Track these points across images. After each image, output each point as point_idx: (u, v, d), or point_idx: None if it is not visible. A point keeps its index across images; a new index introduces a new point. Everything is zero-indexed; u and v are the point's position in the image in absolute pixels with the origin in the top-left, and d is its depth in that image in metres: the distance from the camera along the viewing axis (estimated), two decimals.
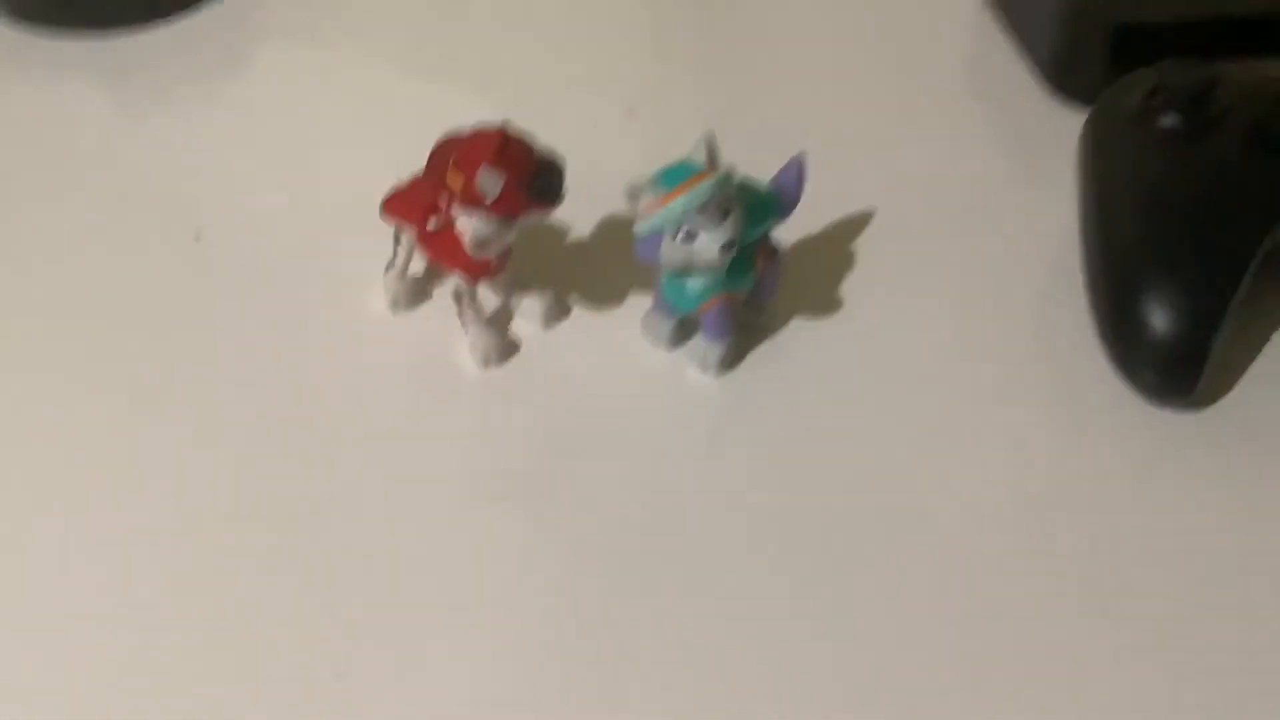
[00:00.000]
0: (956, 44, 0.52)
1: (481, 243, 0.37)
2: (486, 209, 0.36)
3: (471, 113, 0.38)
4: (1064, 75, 0.48)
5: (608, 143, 0.45)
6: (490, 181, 0.36)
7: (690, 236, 0.36)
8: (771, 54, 0.52)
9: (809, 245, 0.43)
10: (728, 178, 0.36)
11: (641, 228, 0.36)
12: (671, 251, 0.36)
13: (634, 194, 0.36)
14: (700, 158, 0.36)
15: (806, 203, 0.40)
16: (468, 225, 0.37)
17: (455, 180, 0.36)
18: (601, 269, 0.42)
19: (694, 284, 0.38)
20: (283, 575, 0.34)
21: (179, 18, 0.52)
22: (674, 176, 0.36)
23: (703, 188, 0.36)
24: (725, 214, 0.36)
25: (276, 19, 0.53)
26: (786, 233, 0.41)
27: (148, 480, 0.36)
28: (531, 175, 0.36)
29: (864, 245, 0.44)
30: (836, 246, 0.43)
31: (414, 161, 0.39)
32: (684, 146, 0.37)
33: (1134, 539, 0.36)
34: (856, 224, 0.44)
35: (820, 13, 0.54)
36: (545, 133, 0.38)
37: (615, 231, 0.43)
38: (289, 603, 0.34)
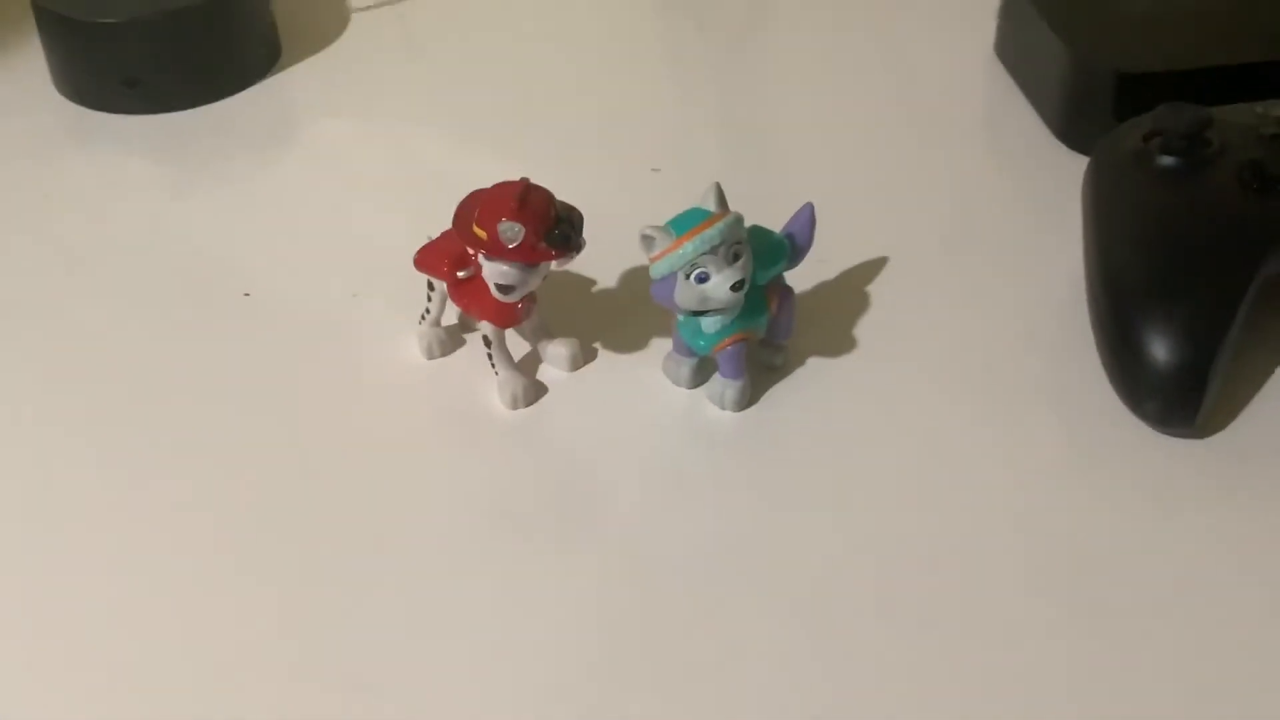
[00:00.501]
0: (969, 94, 0.54)
1: (505, 289, 0.39)
2: (509, 257, 0.38)
3: (498, 175, 0.40)
4: (1071, 123, 0.50)
5: (634, 199, 0.47)
6: (511, 231, 0.38)
7: (703, 278, 0.38)
8: (790, 106, 0.54)
9: (825, 289, 0.45)
10: (737, 221, 0.38)
11: (656, 271, 0.38)
12: (685, 292, 0.38)
13: (648, 240, 0.38)
14: (710, 204, 0.38)
15: (822, 248, 0.42)
16: (493, 273, 0.39)
17: (479, 232, 0.38)
18: (624, 316, 0.44)
19: (709, 325, 0.40)
20: (322, 605, 0.36)
21: (227, 98, 0.55)
22: (685, 222, 0.38)
23: (712, 231, 0.38)
24: (735, 256, 0.38)
25: (313, 96, 0.56)
26: (804, 277, 0.43)
27: (200, 513, 0.38)
28: (550, 225, 0.38)
29: (878, 288, 0.45)
30: (851, 289, 0.45)
31: (443, 219, 0.41)
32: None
33: (1144, 562, 0.37)
34: (871, 268, 0.46)
35: (837, 67, 0.56)
36: (573, 190, 0.40)
37: (638, 281, 0.45)
38: (323, 632, 0.36)
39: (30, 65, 0.57)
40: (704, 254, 0.38)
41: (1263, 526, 0.37)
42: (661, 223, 0.38)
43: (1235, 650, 0.35)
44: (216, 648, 0.35)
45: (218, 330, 0.45)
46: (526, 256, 0.38)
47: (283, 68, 0.57)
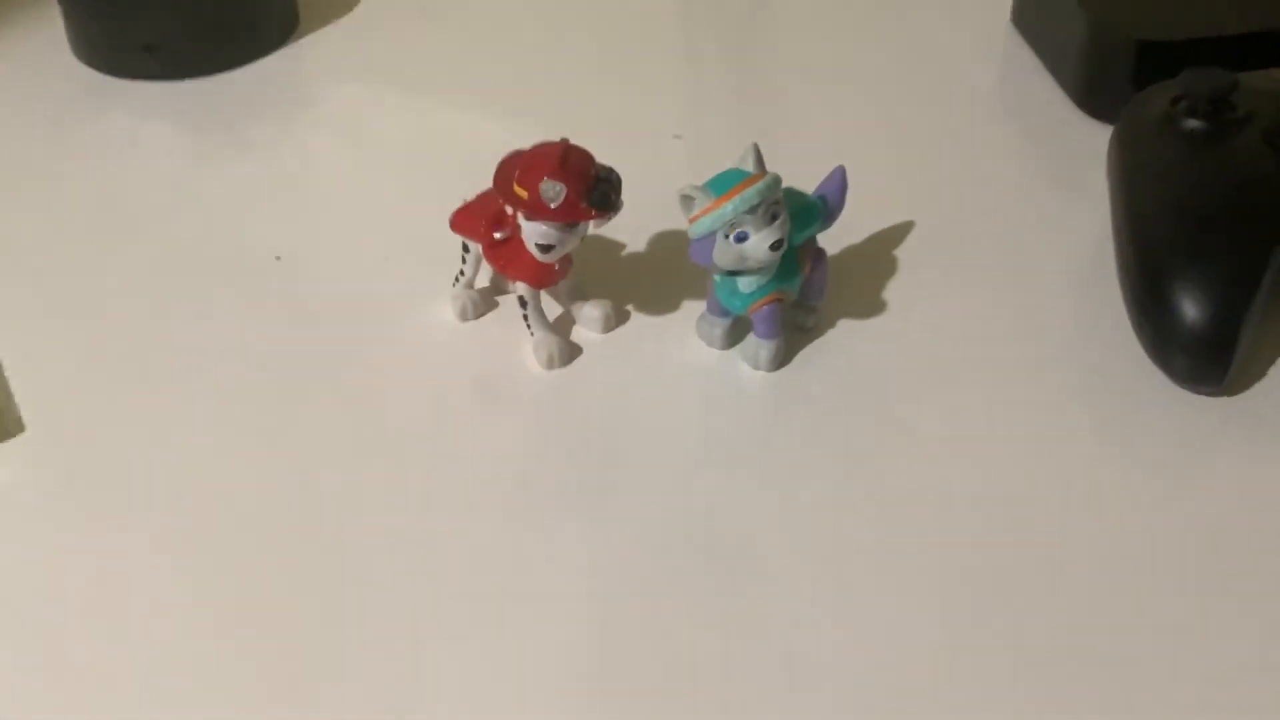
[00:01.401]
0: (988, 63, 0.55)
1: (545, 249, 0.39)
2: (550, 217, 0.39)
3: (525, 140, 0.40)
4: (1090, 92, 0.51)
5: (658, 165, 0.47)
6: (553, 190, 0.38)
7: (741, 237, 0.38)
8: (810, 76, 0.55)
9: (854, 253, 0.45)
10: (776, 181, 0.39)
11: (695, 230, 0.39)
12: (724, 252, 0.39)
13: (688, 200, 0.39)
14: (749, 164, 0.39)
15: (851, 214, 0.43)
16: (533, 233, 0.39)
17: (520, 191, 0.39)
18: (656, 278, 0.44)
19: (745, 285, 0.40)
20: (351, 568, 0.36)
21: (246, 65, 0.55)
22: (725, 182, 0.38)
23: (752, 191, 0.38)
24: (773, 216, 0.38)
25: (332, 63, 0.56)
26: (833, 242, 0.44)
27: (234, 476, 0.39)
28: (591, 185, 0.39)
29: (905, 252, 0.46)
30: (880, 254, 0.46)
31: (473, 185, 0.41)
32: (728, 166, 0.39)
33: (1171, 517, 0.37)
34: (898, 233, 0.46)
35: (856, 37, 0.57)
36: (598, 156, 0.40)
37: (668, 244, 0.45)
38: (354, 592, 0.36)
39: (50, 32, 0.57)
40: (744, 213, 0.38)
41: None
42: (691, 185, 0.39)
43: (1260, 606, 0.35)
44: (243, 614, 0.36)
45: (248, 294, 0.45)
46: (568, 216, 0.39)
47: (301, 35, 0.57)
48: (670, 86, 0.54)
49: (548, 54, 0.56)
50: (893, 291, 0.44)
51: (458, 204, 0.42)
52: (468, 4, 0.59)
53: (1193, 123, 0.43)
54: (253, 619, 0.35)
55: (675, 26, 0.58)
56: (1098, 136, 0.47)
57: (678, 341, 0.42)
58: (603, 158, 0.40)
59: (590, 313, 0.43)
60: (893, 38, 0.57)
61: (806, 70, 0.55)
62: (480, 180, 0.41)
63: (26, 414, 0.41)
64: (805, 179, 0.42)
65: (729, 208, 0.38)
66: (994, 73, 0.55)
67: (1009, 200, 0.48)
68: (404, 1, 0.59)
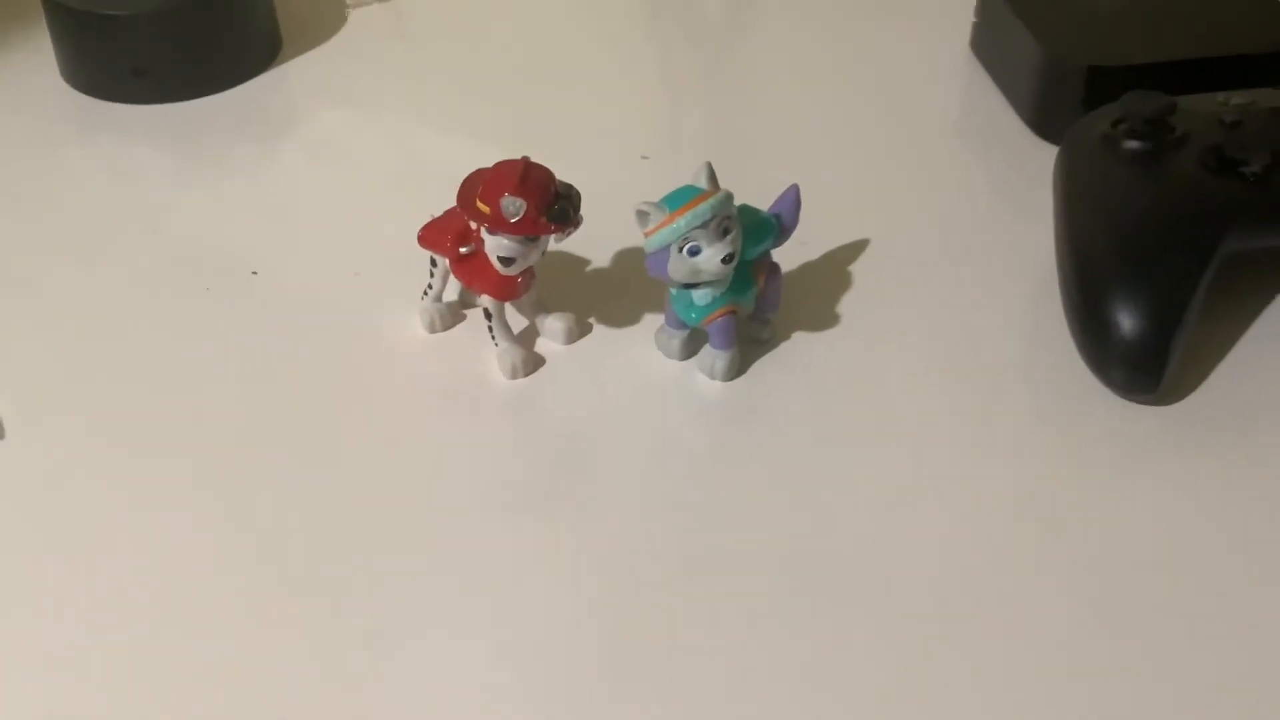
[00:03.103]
0: (947, 88, 0.57)
1: (507, 261, 0.41)
2: (511, 231, 0.40)
3: (492, 161, 0.42)
4: (1043, 115, 0.53)
5: (625, 184, 0.49)
6: (514, 206, 0.40)
7: (694, 251, 0.40)
8: (773, 100, 0.56)
9: (809, 269, 0.47)
10: (727, 197, 0.40)
11: (651, 244, 0.40)
12: (678, 265, 0.40)
13: (643, 215, 0.40)
14: (702, 182, 0.40)
15: (807, 231, 0.44)
16: (495, 246, 0.41)
17: (483, 207, 0.40)
18: (618, 293, 0.46)
19: (700, 297, 0.42)
20: (327, 573, 0.38)
21: (229, 89, 0.57)
22: (679, 198, 0.40)
23: (704, 206, 0.40)
24: (725, 231, 0.40)
25: (313, 88, 0.58)
26: (789, 257, 0.45)
27: (206, 490, 0.40)
28: (551, 201, 0.40)
29: (860, 268, 0.47)
30: (834, 269, 0.47)
31: (443, 202, 0.43)
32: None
33: (1110, 521, 0.39)
34: (852, 251, 0.48)
35: (819, 62, 0.58)
36: (566, 176, 0.41)
37: (630, 260, 0.47)
38: (328, 599, 0.37)
39: (38, 56, 0.58)
40: (696, 228, 0.40)
41: (1221, 486, 0.40)
42: (647, 201, 0.40)
43: (1198, 609, 0.36)
44: (217, 624, 0.37)
45: (222, 310, 0.46)
46: (528, 230, 0.40)
47: (283, 60, 0.59)
48: (640, 110, 0.56)
49: (522, 78, 0.58)
50: (846, 305, 0.46)
51: (426, 220, 0.44)
52: (443, 30, 0.61)
53: (1132, 144, 0.45)
54: (231, 623, 0.36)
55: (646, 52, 0.60)
56: (1050, 158, 0.49)
57: (637, 352, 0.44)
58: (572, 177, 0.42)
59: (554, 325, 0.44)
60: (855, 63, 0.58)
61: (773, 93, 0.57)
62: (451, 198, 0.43)
63: (9, 424, 0.42)
64: (767, 197, 0.43)
65: (681, 222, 0.40)
66: (953, 97, 0.56)
67: (962, 219, 0.50)
68: (382, 28, 0.61)
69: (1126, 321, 0.41)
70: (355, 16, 0.62)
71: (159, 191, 0.52)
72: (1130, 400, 0.42)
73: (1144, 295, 0.41)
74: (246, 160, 0.54)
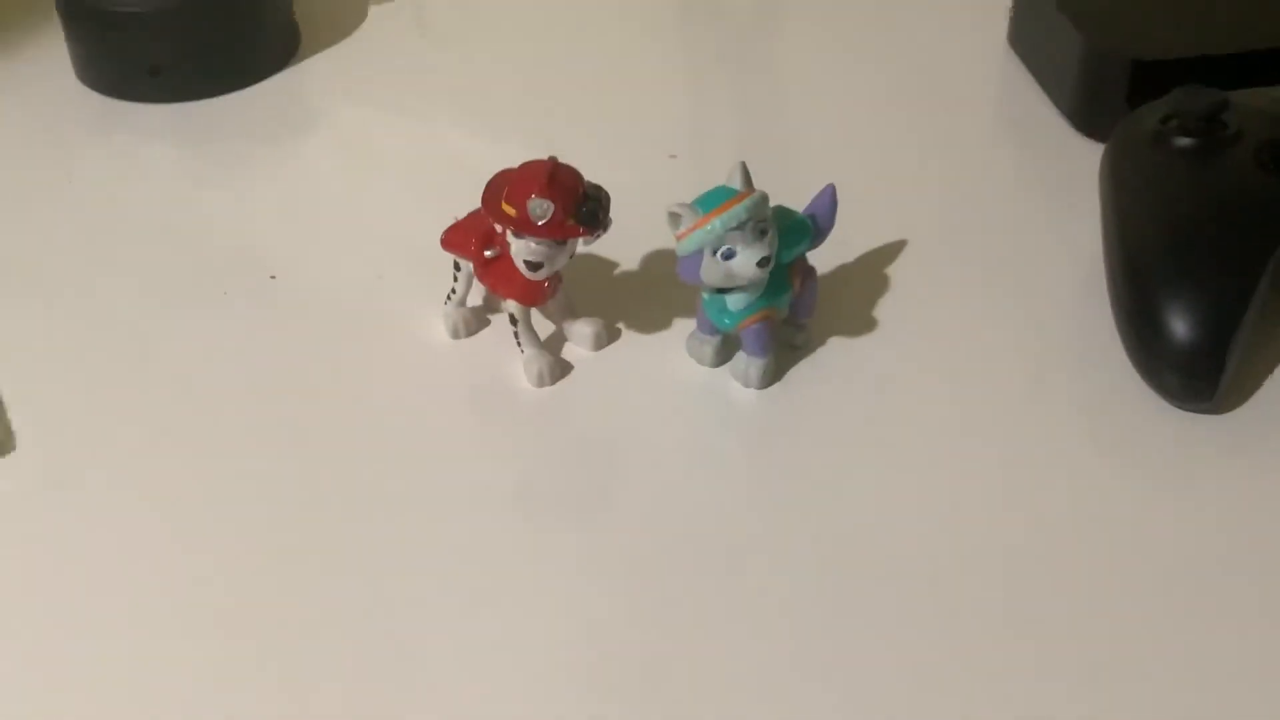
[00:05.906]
0: (984, 83, 0.55)
1: (533, 266, 0.39)
2: (537, 234, 0.39)
3: (521, 158, 0.40)
4: (1085, 111, 0.51)
5: (652, 184, 0.47)
6: (540, 208, 0.38)
7: (729, 255, 0.38)
8: (805, 97, 0.55)
9: (847, 270, 0.46)
10: (763, 199, 0.39)
11: (683, 247, 0.39)
12: (711, 269, 0.39)
13: (675, 217, 0.39)
14: (736, 182, 0.39)
15: (843, 232, 0.43)
16: (521, 250, 0.39)
17: (509, 209, 0.39)
18: (647, 296, 0.44)
19: (734, 302, 0.40)
20: (349, 582, 0.37)
21: (248, 87, 0.56)
22: (712, 199, 0.39)
23: (739, 208, 0.38)
24: (761, 233, 0.39)
25: (332, 85, 0.56)
26: (825, 260, 0.44)
27: (228, 494, 0.39)
28: (579, 202, 0.39)
29: (899, 270, 0.46)
30: (872, 271, 0.46)
31: (467, 203, 0.42)
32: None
33: (1162, 535, 0.37)
34: (891, 251, 0.47)
35: (852, 57, 0.57)
36: (591, 175, 0.40)
37: (660, 263, 0.46)
38: (351, 609, 0.36)
39: (52, 55, 0.57)
40: (730, 230, 0.38)
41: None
42: (679, 202, 0.39)
43: (1257, 627, 0.35)
44: (242, 635, 0.36)
45: (242, 313, 0.45)
46: (555, 233, 0.39)
47: (302, 57, 0.58)
48: (667, 107, 0.55)
49: (546, 74, 0.57)
50: (885, 309, 0.44)
51: (450, 222, 0.43)
52: (465, 26, 0.60)
53: (1183, 141, 0.43)
54: (247, 629, 0.35)
55: (673, 48, 0.59)
56: (1093, 155, 0.47)
57: (668, 359, 0.43)
58: (599, 177, 0.40)
59: (581, 330, 0.43)
60: (890, 59, 0.57)
61: (804, 90, 0.55)
62: (475, 199, 0.41)
63: (21, 431, 0.41)
64: (801, 198, 0.42)
65: (715, 224, 0.38)
66: (990, 93, 0.55)
67: (1003, 218, 0.48)
68: (403, 24, 0.60)
69: (1181, 326, 0.40)
70: (376, 11, 0.61)
71: (175, 193, 0.51)
72: (1184, 409, 0.40)
73: (1199, 299, 0.40)
74: (265, 160, 0.52)
